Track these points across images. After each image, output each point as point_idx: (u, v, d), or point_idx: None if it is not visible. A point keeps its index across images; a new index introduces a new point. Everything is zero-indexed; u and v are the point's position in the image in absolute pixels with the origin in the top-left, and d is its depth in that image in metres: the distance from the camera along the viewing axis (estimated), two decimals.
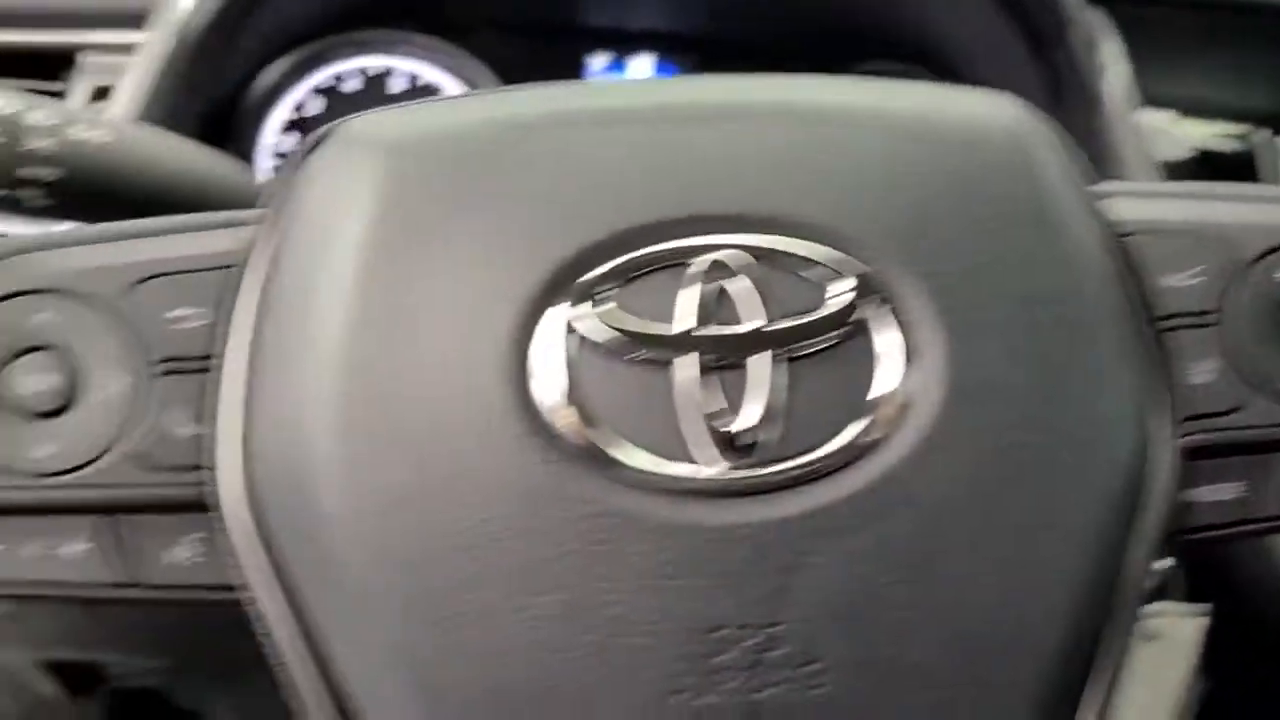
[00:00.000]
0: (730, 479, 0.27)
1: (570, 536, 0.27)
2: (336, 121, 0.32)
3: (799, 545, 0.27)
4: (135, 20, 0.59)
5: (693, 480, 0.27)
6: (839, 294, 0.28)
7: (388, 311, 0.28)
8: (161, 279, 0.30)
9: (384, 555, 0.27)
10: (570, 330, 0.27)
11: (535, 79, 0.70)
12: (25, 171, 0.39)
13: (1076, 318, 0.29)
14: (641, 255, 0.28)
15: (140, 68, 0.57)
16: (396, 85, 0.72)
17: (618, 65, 0.75)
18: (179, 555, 0.29)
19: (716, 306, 0.28)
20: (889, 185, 0.29)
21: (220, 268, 0.30)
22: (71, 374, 0.29)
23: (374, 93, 0.72)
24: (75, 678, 0.84)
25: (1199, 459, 0.31)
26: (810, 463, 0.27)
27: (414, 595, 0.27)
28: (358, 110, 0.71)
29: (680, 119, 0.30)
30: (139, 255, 0.30)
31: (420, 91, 0.71)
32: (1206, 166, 0.63)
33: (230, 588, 0.29)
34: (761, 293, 0.28)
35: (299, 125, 0.71)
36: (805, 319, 0.28)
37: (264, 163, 0.70)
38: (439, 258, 0.28)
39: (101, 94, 0.58)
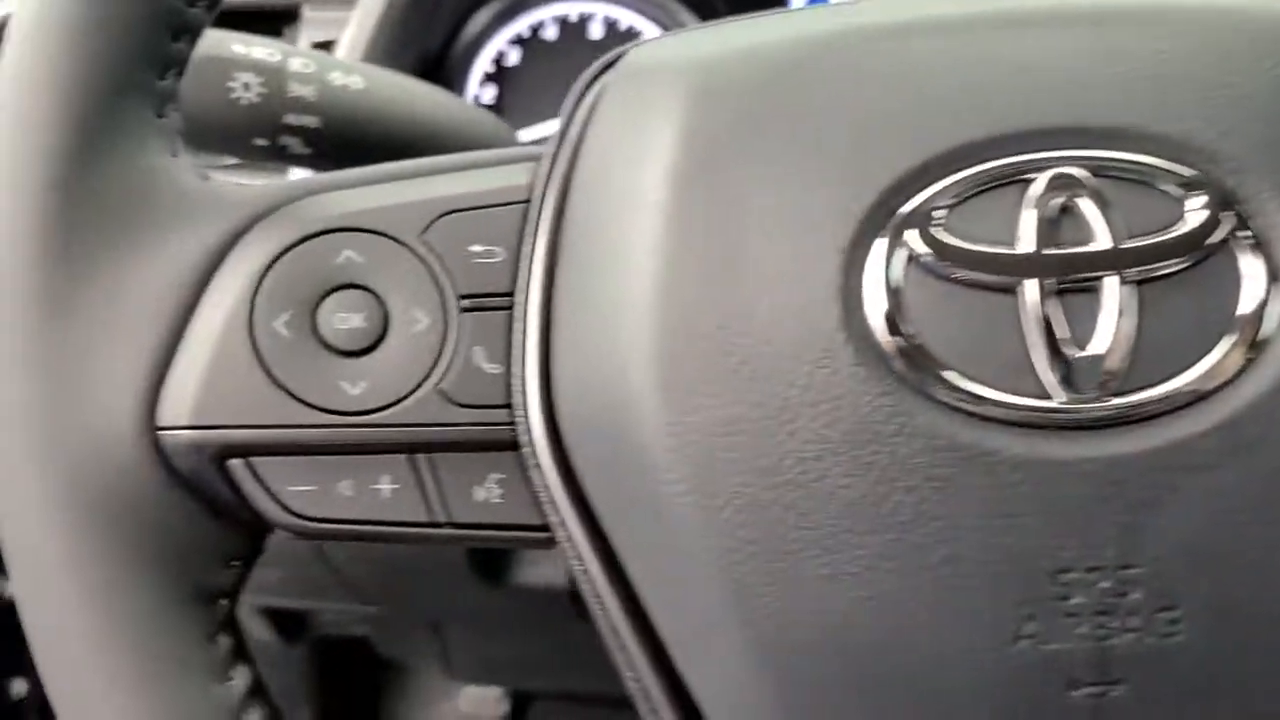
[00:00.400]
0: (1080, 410, 0.25)
1: (907, 472, 0.25)
2: (620, 50, 0.31)
3: (1154, 482, 0.25)
4: None
5: (1039, 411, 0.25)
6: (1196, 211, 0.25)
7: (704, 241, 0.26)
8: (458, 215, 0.29)
9: (707, 494, 0.26)
10: (904, 254, 0.26)
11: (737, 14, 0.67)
12: (290, 119, 0.39)
13: None
14: (978, 172, 0.26)
15: (358, 23, 0.57)
16: (595, 31, 0.71)
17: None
18: (485, 494, 0.29)
19: (1061, 226, 0.25)
20: (1250, 92, 0.26)
21: (514, 203, 0.30)
22: (378, 312, 0.29)
23: (572, 40, 0.71)
24: (288, 625, 0.87)
25: None
26: (1166, 394, 0.25)
27: (740, 535, 0.26)
28: (556, 60, 0.70)
29: (1010, 24, 0.28)
30: (434, 192, 0.30)
31: (621, 37, 0.70)
32: None
33: (537, 527, 0.29)
34: (1110, 211, 0.25)
35: (498, 77, 0.71)
36: (1160, 238, 0.25)
37: None
38: (757, 182, 0.26)
39: (322, 49, 0.58)
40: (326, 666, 1.03)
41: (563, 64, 0.71)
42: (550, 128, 0.69)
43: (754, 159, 0.27)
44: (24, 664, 1.18)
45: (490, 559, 0.61)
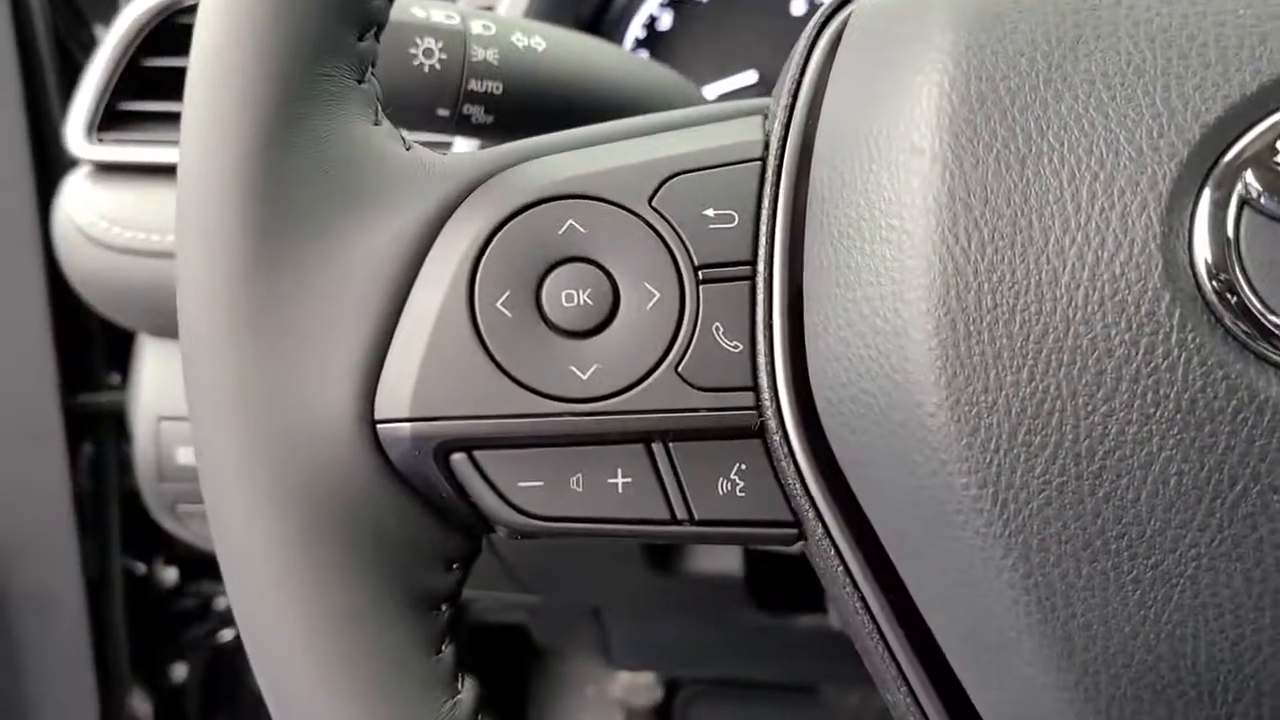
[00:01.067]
0: None
1: (1254, 451, 0.21)
2: (850, 3, 0.28)
3: None
4: None
5: None
6: None
7: (990, 195, 0.23)
8: (688, 176, 0.26)
9: (1005, 487, 0.22)
10: (1238, 198, 0.22)
11: None
12: (474, 85, 0.36)
13: None
14: None
15: None
16: None
17: None
18: (730, 487, 0.26)
19: None
20: None
21: (749, 160, 0.26)
22: (607, 287, 0.26)
23: (726, 3, 0.67)
24: None
25: None
26: None
27: (1047, 534, 0.22)
28: (708, 22, 0.66)
29: None
30: (661, 152, 0.27)
31: None
32: None
33: (786, 524, 0.26)
34: None
35: (649, 41, 0.68)
36: None
37: None
38: (1052, 124, 0.23)
39: (486, 9, 0.56)
40: (480, 652, 1.03)
41: (716, 25, 0.67)
42: (706, 93, 0.66)
43: (1046, 97, 0.23)
44: (184, 650, 1.21)
45: (663, 546, 0.58)
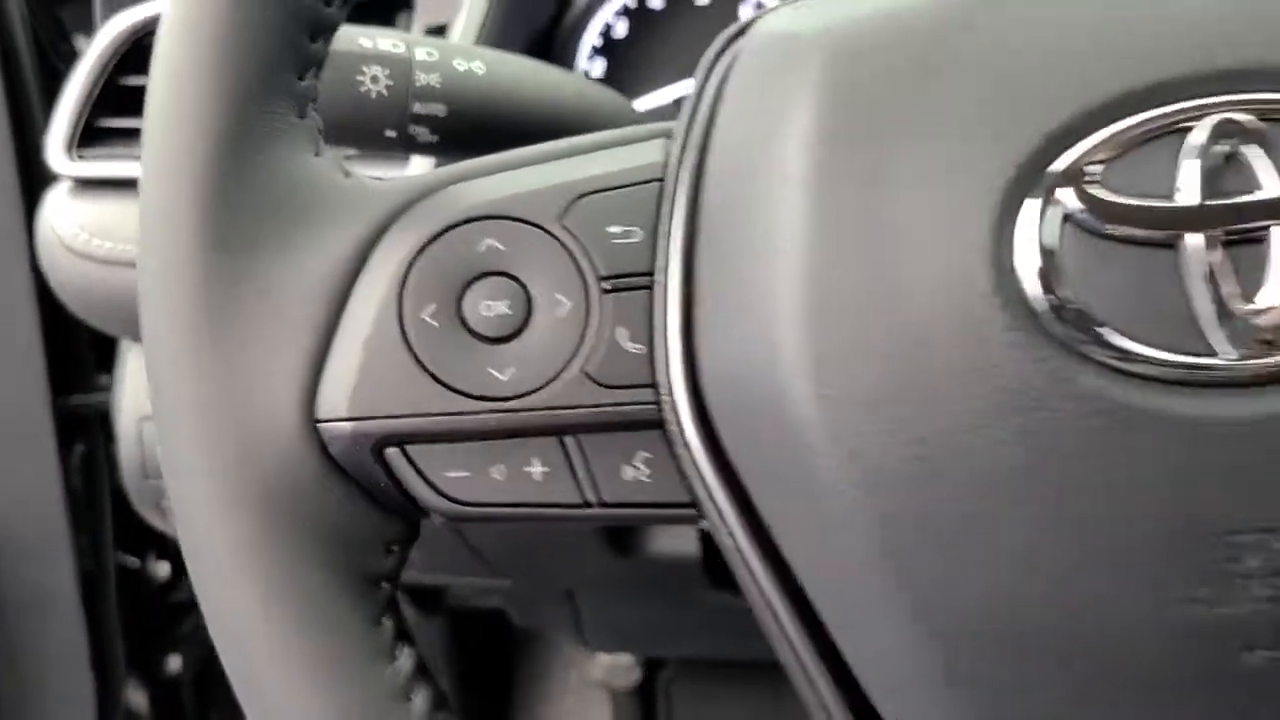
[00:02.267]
0: (1250, 368, 0.24)
1: (1068, 437, 0.25)
2: (744, 22, 0.31)
3: None
4: None
5: (1206, 370, 0.24)
6: None
7: (848, 211, 0.26)
8: (595, 196, 0.29)
9: (862, 469, 0.26)
10: (1058, 212, 0.25)
11: None
12: (418, 108, 0.39)
13: None
14: (1134, 124, 0.25)
15: (470, 5, 0.58)
16: None
17: None
18: (633, 473, 0.29)
19: (1225, 175, 0.24)
20: None
21: (649, 181, 0.30)
22: (522, 298, 0.29)
23: (678, 7, 0.70)
24: (424, 599, 0.90)
25: None
26: None
27: (898, 509, 0.26)
28: (662, 29, 0.69)
29: None
30: (570, 175, 0.30)
31: (729, 2, 0.69)
32: None
33: (684, 504, 0.29)
34: (1278, 156, 0.24)
35: (606, 49, 0.71)
36: None
37: None
38: (900, 147, 0.26)
39: (436, 33, 0.59)
40: (463, 638, 1.06)
41: (671, 33, 0.70)
42: (660, 97, 0.68)
43: (896, 124, 0.26)
44: (178, 642, 1.23)
45: (621, 530, 0.61)
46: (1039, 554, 0.25)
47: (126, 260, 0.58)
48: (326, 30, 0.30)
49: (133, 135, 0.60)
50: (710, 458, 0.28)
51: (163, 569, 1.19)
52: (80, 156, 0.60)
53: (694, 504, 0.29)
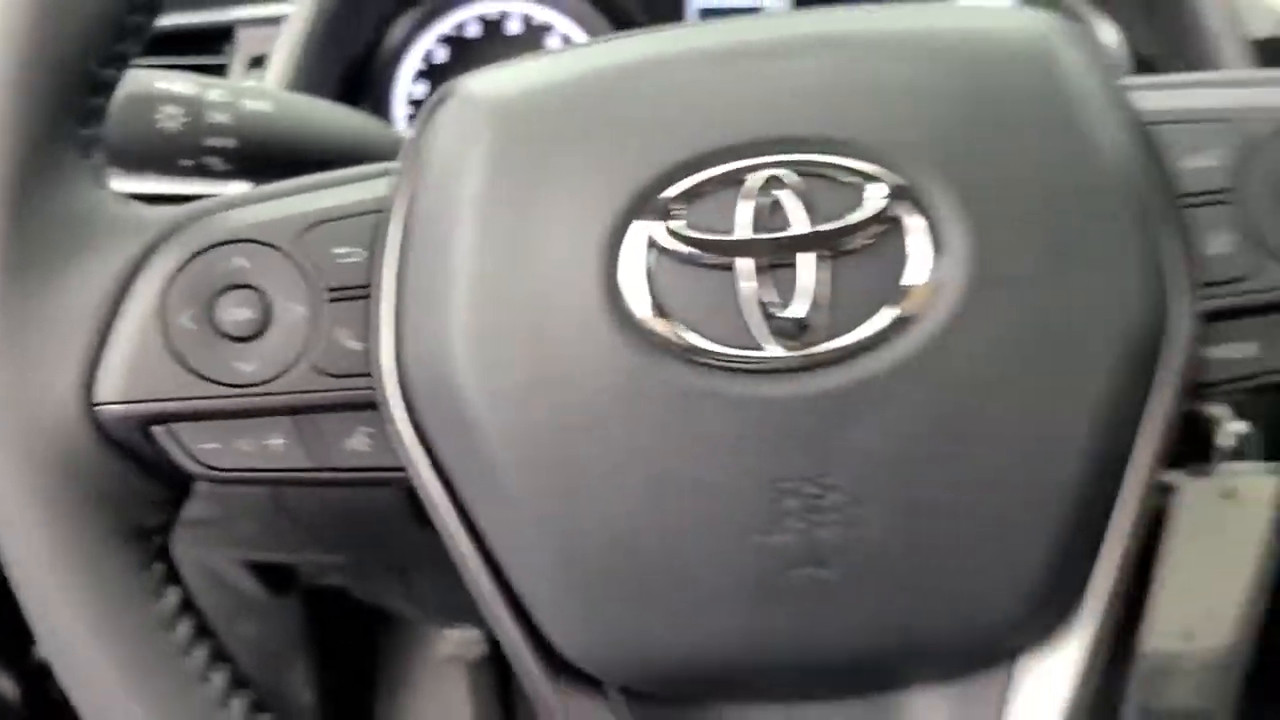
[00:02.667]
0: (787, 358, 0.33)
1: (658, 413, 0.33)
2: (452, 82, 0.39)
3: (846, 411, 0.33)
4: None
5: (756, 360, 0.33)
6: (874, 198, 0.33)
7: (504, 241, 0.34)
8: (325, 225, 0.37)
9: (512, 437, 0.34)
10: (650, 242, 0.33)
11: (639, 6, 0.74)
12: (210, 141, 0.46)
13: (1095, 204, 0.34)
14: (706, 177, 0.33)
15: (288, 38, 0.65)
16: (513, 27, 0.78)
17: None
18: (355, 444, 0.37)
19: (771, 215, 0.33)
20: (920, 102, 0.34)
21: (370, 213, 0.37)
22: (263, 305, 0.36)
23: (493, 36, 0.78)
24: (273, 577, 0.96)
25: (1217, 321, 0.35)
26: (852, 342, 0.33)
27: (538, 467, 0.34)
28: (481, 54, 0.78)
29: (736, 56, 0.35)
30: (306, 207, 0.37)
31: (536, 30, 0.77)
32: None
33: (395, 469, 0.37)
34: (808, 201, 0.33)
35: (428, 74, 0.78)
36: (844, 221, 0.33)
37: (400, 110, 0.77)
38: (542, 193, 0.34)
39: (257, 62, 0.66)
40: (319, 618, 1.12)
41: (485, 57, 0.78)
42: None
43: (538, 177, 0.34)
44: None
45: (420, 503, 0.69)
46: (642, 500, 0.33)
47: None
48: (105, 88, 0.37)
49: None
50: (412, 428, 0.36)
51: None
52: None
53: (403, 467, 0.37)
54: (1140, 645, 0.57)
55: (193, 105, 0.46)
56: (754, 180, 0.33)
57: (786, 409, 0.33)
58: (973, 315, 0.33)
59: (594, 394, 0.33)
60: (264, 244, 0.37)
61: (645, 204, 0.33)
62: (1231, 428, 0.53)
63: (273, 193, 0.38)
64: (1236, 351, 0.35)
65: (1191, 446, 0.55)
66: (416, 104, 0.77)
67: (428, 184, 0.36)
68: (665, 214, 0.33)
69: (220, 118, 0.47)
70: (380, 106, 0.77)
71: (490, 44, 0.78)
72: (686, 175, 0.33)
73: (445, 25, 0.78)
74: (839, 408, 0.33)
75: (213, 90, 0.47)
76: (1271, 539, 0.54)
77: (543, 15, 0.78)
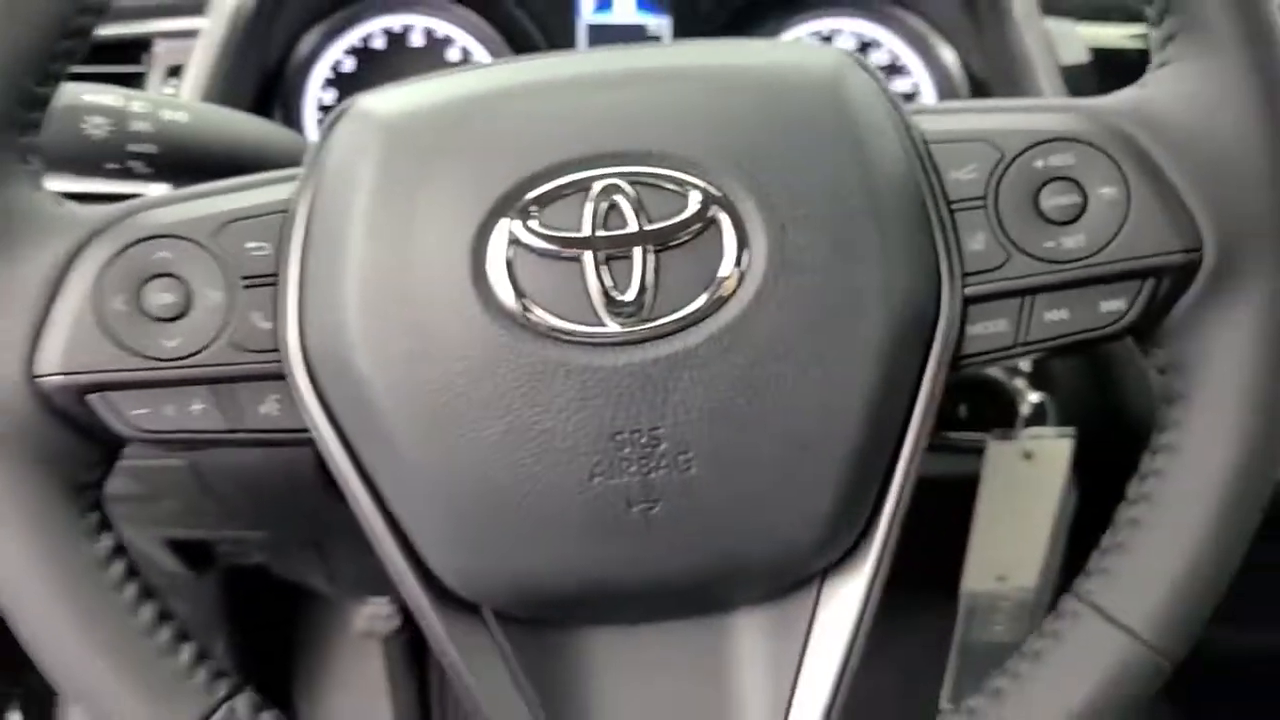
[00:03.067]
0: (623, 333, 0.40)
1: (518, 379, 0.40)
2: (349, 100, 0.45)
3: (671, 376, 0.40)
4: (198, 8, 0.73)
5: (598, 336, 0.40)
6: (693, 203, 0.40)
7: (390, 236, 0.41)
8: (238, 222, 0.43)
9: (397, 400, 0.41)
10: (512, 238, 0.40)
11: (534, 24, 0.81)
12: (133, 147, 0.52)
13: (875, 207, 0.42)
14: (558, 184, 0.40)
15: (203, 50, 0.71)
16: (416, 40, 0.84)
17: (605, 4, 0.87)
18: (266, 410, 0.43)
19: (610, 215, 0.40)
20: (731, 124, 0.41)
21: (277, 212, 0.44)
22: (185, 291, 0.43)
23: (398, 48, 0.84)
24: (193, 555, 1.01)
25: (976, 303, 0.43)
26: (675, 319, 0.40)
27: (418, 425, 0.41)
28: (385, 64, 0.84)
29: (586, 85, 0.42)
30: (222, 207, 0.44)
31: (437, 43, 0.84)
32: (1104, 67, 0.73)
33: (301, 430, 0.43)
34: (640, 205, 0.40)
35: (336, 82, 0.84)
36: (669, 221, 0.40)
37: (310, 115, 0.83)
38: (422, 196, 0.41)
39: (174, 72, 0.71)
40: (237, 596, 1.17)
41: (389, 67, 0.84)
42: None
43: (418, 180, 0.41)
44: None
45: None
46: (505, 451, 0.40)
47: None
48: (41, 103, 0.43)
49: None
50: (314, 395, 0.42)
51: None
52: None
53: (307, 429, 0.43)
54: (961, 587, 0.66)
55: (117, 115, 0.52)
56: (596, 187, 0.40)
57: (623, 374, 0.40)
58: (771, 297, 0.40)
59: (465, 364, 0.40)
60: (186, 239, 0.43)
61: (508, 206, 0.40)
62: (1031, 398, 0.62)
63: (193, 194, 0.45)
64: (991, 329, 0.44)
65: (998, 414, 0.63)
66: (325, 109, 0.83)
67: (325, 188, 0.43)
68: (525, 214, 0.40)
69: (141, 126, 0.53)
70: (292, 113, 0.82)
71: (394, 55, 0.84)
72: (541, 183, 0.41)
73: (352, 37, 0.84)
74: (665, 373, 0.40)
75: (135, 101, 0.53)
76: (1066, 493, 0.63)
77: (443, 29, 0.84)
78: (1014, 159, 0.43)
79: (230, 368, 0.43)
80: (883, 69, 0.84)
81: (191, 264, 0.43)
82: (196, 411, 0.43)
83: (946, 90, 0.83)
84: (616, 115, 0.42)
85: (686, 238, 0.40)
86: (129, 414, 0.43)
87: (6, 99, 0.41)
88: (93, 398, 0.42)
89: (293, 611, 1.26)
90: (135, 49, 0.73)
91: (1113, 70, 0.73)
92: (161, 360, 0.42)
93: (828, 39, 0.85)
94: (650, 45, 0.45)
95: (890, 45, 0.85)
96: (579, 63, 0.45)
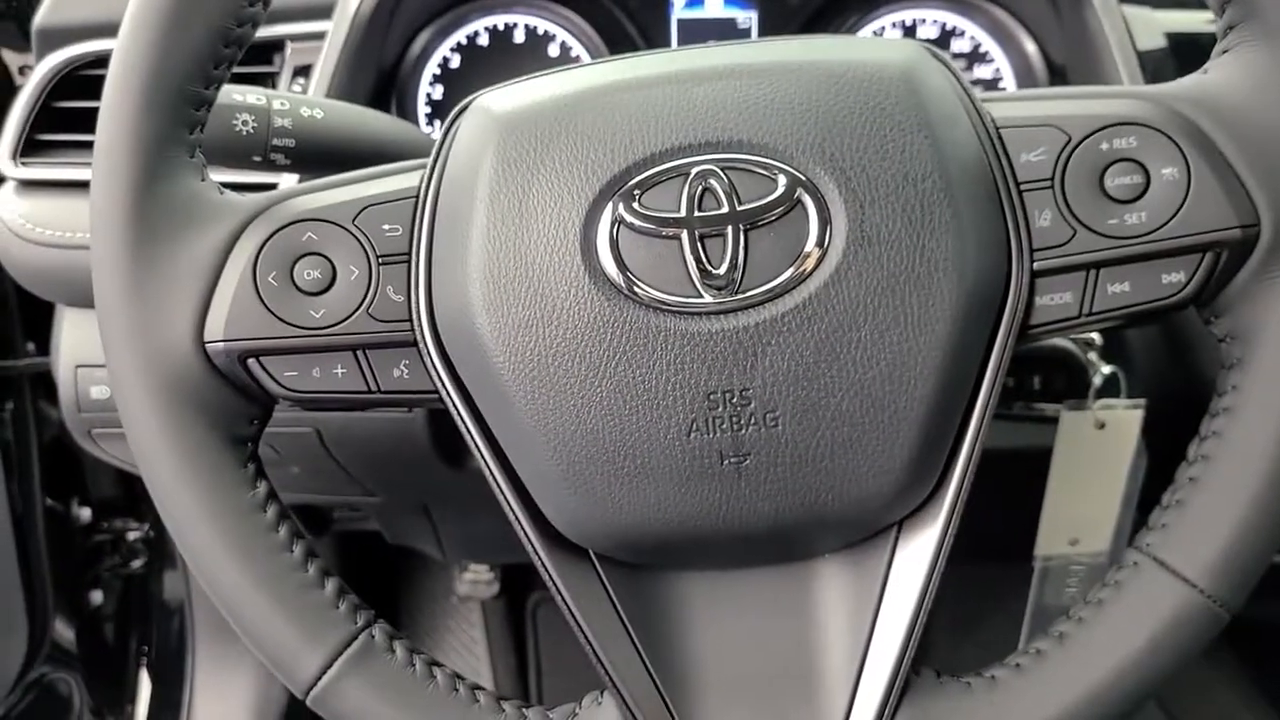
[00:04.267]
0: (718, 304, 0.45)
1: (622, 344, 0.45)
2: (471, 98, 0.51)
3: (760, 341, 0.45)
4: (325, 12, 0.79)
5: (698, 305, 0.45)
6: (780, 187, 0.45)
7: (507, 218, 0.46)
8: (376, 207, 0.49)
9: (515, 362, 0.46)
10: (616, 219, 0.45)
11: (629, 20, 0.86)
12: (276, 141, 0.59)
13: (948, 187, 0.46)
14: (658, 170, 0.45)
15: (327, 51, 0.77)
16: (518, 37, 0.90)
17: (696, 1, 0.91)
18: (400, 372, 0.49)
19: (705, 198, 0.45)
20: (812, 115, 0.46)
21: (408, 199, 0.49)
22: (329, 268, 0.49)
23: (502, 45, 0.90)
24: (312, 520, 1.08)
25: (1043, 277, 0.47)
26: (764, 291, 0.45)
27: (534, 384, 0.46)
28: (488, 61, 0.90)
29: (680, 81, 0.47)
30: (360, 194, 0.49)
31: (538, 40, 0.89)
32: (1181, 52, 0.75)
33: (430, 392, 0.49)
34: (733, 189, 0.45)
35: (444, 78, 0.90)
36: (757, 203, 0.45)
37: (420, 109, 0.89)
38: (536, 183, 0.46)
39: (302, 71, 0.78)
40: (350, 559, 1.25)
41: (493, 62, 0.90)
42: None
43: (532, 167, 0.46)
44: (99, 580, 1.36)
45: (451, 446, 0.81)
46: (611, 408, 0.45)
47: (63, 244, 0.76)
48: (206, 104, 0.49)
49: (65, 147, 0.78)
50: (442, 363, 0.48)
51: (85, 513, 1.35)
52: (24, 164, 0.77)
53: (435, 390, 0.49)
54: (1036, 551, 0.69)
55: (261, 114, 0.58)
56: (693, 173, 0.45)
57: (716, 340, 0.45)
58: (851, 271, 0.45)
59: (575, 329, 0.45)
60: (330, 222, 0.49)
61: (612, 190, 0.45)
62: (1103, 370, 0.65)
63: (334, 183, 0.50)
64: (1057, 300, 0.47)
65: (1071, 385, 0.67)
66: (434, 104, 0.89)
67: (450, 177, 0.48)
68: (628, 198, 0.45)
69: (283, 122, 0.59)
70: (405, 107, 0.89)
71: (499, 53, 0.90)
72: (643, 170, 0.45)
73: (460, 35, 0.89)
74: (754, 339, 0.45)
75: (276, 100, 0.59)
76: (1137, 461, 0.65)
77: (544, 27, 0.89)
78: (1080, 142, 0.47)
79: (368, 335, 0.49)
80: (964, 56, 0.88)
81: (335, 244, 0.49)
82: (339, 375, 0.49)
83: (1026, 77, 0.86)
84: (710, 108, 0.46)
85: (774, 218, 0.45)
86: (282, 375, 0.49)
87: (179, 100, 0.47)
88: (251, 362, 0.49)
89: (399, 575, 1.33)
90: (269, 50, 0.79)
91: (1189, 55, 0.75)
92: (309, 329, 0.48)
93: (911, 29, 0.88)
94: (738, 43, 0.50)
95: (972, 33, 0.88)
96: (673, 60, 0.50)
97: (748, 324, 0.45)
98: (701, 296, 0.45)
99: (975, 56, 0.88)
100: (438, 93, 0.90)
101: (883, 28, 0.89)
